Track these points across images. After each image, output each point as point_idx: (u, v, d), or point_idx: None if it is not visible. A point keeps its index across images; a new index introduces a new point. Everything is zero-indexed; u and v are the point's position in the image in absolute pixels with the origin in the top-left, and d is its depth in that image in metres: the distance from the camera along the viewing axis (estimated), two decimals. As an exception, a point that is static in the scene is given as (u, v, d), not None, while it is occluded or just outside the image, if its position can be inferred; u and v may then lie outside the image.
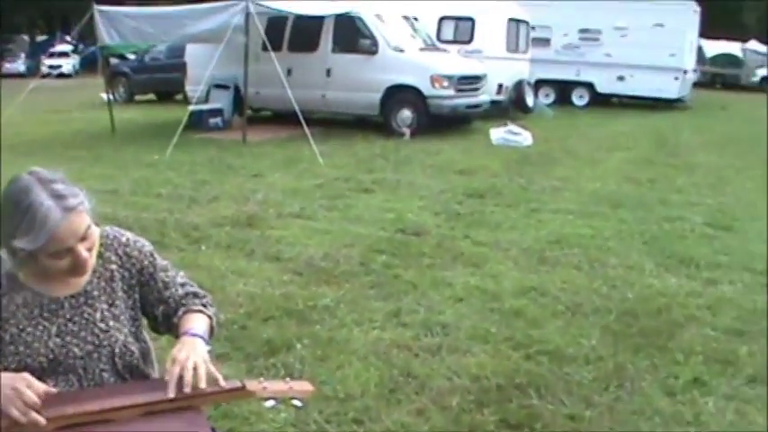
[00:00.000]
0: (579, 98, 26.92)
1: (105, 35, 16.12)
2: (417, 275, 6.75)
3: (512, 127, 16.29)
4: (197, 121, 16.37)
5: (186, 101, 18.60)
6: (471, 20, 21.44)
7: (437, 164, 12.93)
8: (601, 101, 26.71)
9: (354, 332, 5.44)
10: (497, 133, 16.01)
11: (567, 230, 8.55)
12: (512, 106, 21.54)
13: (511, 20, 22.04)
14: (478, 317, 5.81)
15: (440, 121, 16.90)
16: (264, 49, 15.24)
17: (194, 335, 2.40)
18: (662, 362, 5.10)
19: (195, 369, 2.23)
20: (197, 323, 2.48)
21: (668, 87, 26.12)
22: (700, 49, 36.53)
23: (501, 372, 4.87)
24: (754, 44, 48.52)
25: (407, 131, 16.27)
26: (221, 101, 17.76)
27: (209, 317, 2.57)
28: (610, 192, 10.97)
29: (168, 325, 2.57)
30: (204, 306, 2.59)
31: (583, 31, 26.58)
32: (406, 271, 6.89)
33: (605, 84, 26.54)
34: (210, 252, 7.45)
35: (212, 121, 17.16)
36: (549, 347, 5.25)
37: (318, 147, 13.06)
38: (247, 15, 14.67)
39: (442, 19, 21.65)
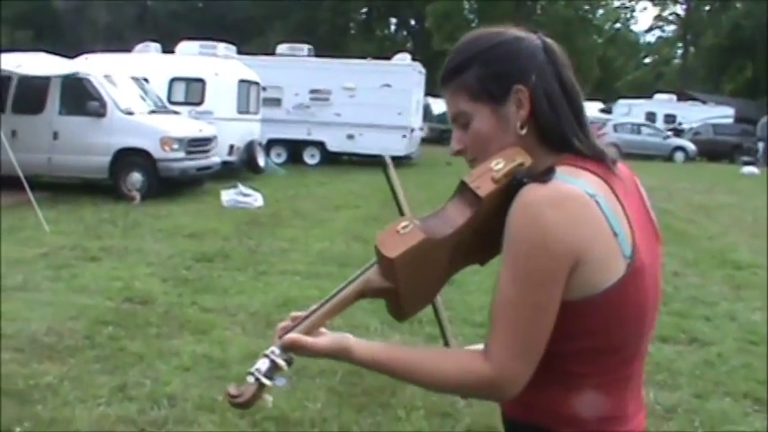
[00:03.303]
0: (311, 157, 27.50)
1: None
2: (144, 346, 6.78)
3: (242, 188, 16.51)
4: None
5: None
6: (202, 81, 21.54)
7: (166, 228, 12.91)
8: (332, 159, 27.42)
9: (78, 410, 5.41)
10: (228, 195, 16.18)
11: (295, 293, 8.80)
12: (243, 167, 21.76)
13: (242, 81, 22.31)
14: (205, 386, 5.92)
15: (170, 184, 16.90)
16: (-14, 110, 14.69)
17: None
18: (385, 419, 5.41)
19: None
20: None
21: (396, 145, 27.02)
22: (427, 108, 38.37)
23: (227, 441, 5.03)
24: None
25: (137, 195, 16.11)
26: (-61, 165, 16.82)
27: None
28: (337, 251, 11.35)
29: None
30: None
31: (313, 91, 27.24)
32: (132, 342, 6.90)
33: (336, 143, 27.29)
34: (-77, 334, 7.14)
35: (-72, 187, 16.20)
36: (275, 413, 5.40)
37: (44, 213, 12.70)
38: (-34, 75, 14.17)
39: (172, 80, 21.62)
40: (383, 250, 1.66)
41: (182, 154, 16.82)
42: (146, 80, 19.27)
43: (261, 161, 22.67)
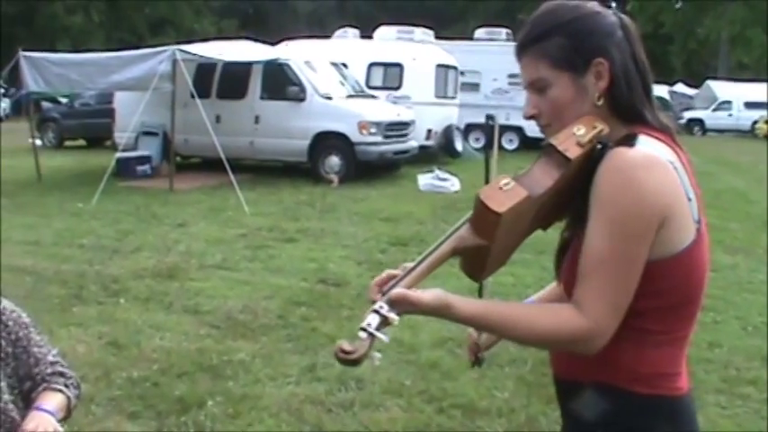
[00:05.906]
0: (509, 142, 27.02)
1: (31, 81, 16.01)
2: (335, 328, 6.76)
3: (439, 172, 16.42)
4: (125, 169, 16.24)
5: (115, 147, 18.33)
6: (400, 66, 21.62)
7: (363, 211, 12.99)
8: (531, 144, 26.86)
9: (268, 388, 5.44)
10: (425, 179, 16.14)
11: (489, 279, 8.59)
12: (441, 151, 21.70)
13: (439, 65, 22.23)
14: (394, 370, 5.82)
15: (368, 168, 17.01)
16: (193, 96, 15.22)
17: (43, 410, 2.43)
18: (575, 411, 5.15)
19: None
20: (50, 400, 2.52)
21: (596, 130, 26.38)
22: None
23: (412, 426, 4.91)
24: (680, 87, 49.65)
25: (335, 178, 16.35)
26: (150, 148, 17.54)
27: (68, 397, 2.60)
28: (533, 237, 10.86)
29: (28, 401, 2.58)
30: (66, 386, 2.61)
31: (512, 75, 26.66)
32: (324, 323, 6.91)
33: (535, 128, 26.33)
34: (129, 305, 7.39)
35: (140, 168, 16.94)
36: (463, 401, 5.29)
37: (245, 194, 13.04)
38: (174, 62, 14.68)
39: (371, 65, 21.80)
40: (491, 205, 1.68)
41: (379, 138, 16.90)
42: (344, 65, 19.51)
43: (459, 146, 22.55)
